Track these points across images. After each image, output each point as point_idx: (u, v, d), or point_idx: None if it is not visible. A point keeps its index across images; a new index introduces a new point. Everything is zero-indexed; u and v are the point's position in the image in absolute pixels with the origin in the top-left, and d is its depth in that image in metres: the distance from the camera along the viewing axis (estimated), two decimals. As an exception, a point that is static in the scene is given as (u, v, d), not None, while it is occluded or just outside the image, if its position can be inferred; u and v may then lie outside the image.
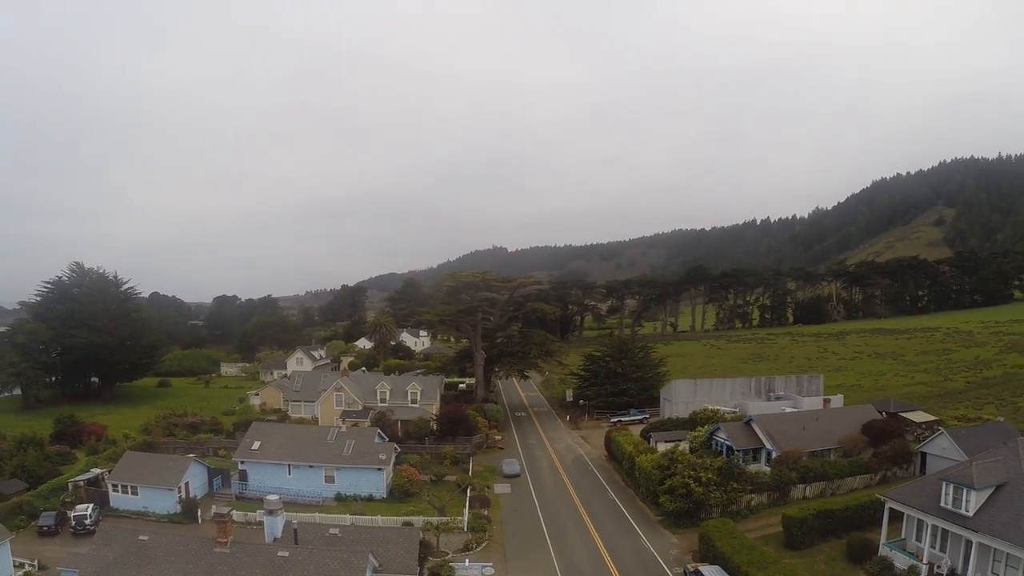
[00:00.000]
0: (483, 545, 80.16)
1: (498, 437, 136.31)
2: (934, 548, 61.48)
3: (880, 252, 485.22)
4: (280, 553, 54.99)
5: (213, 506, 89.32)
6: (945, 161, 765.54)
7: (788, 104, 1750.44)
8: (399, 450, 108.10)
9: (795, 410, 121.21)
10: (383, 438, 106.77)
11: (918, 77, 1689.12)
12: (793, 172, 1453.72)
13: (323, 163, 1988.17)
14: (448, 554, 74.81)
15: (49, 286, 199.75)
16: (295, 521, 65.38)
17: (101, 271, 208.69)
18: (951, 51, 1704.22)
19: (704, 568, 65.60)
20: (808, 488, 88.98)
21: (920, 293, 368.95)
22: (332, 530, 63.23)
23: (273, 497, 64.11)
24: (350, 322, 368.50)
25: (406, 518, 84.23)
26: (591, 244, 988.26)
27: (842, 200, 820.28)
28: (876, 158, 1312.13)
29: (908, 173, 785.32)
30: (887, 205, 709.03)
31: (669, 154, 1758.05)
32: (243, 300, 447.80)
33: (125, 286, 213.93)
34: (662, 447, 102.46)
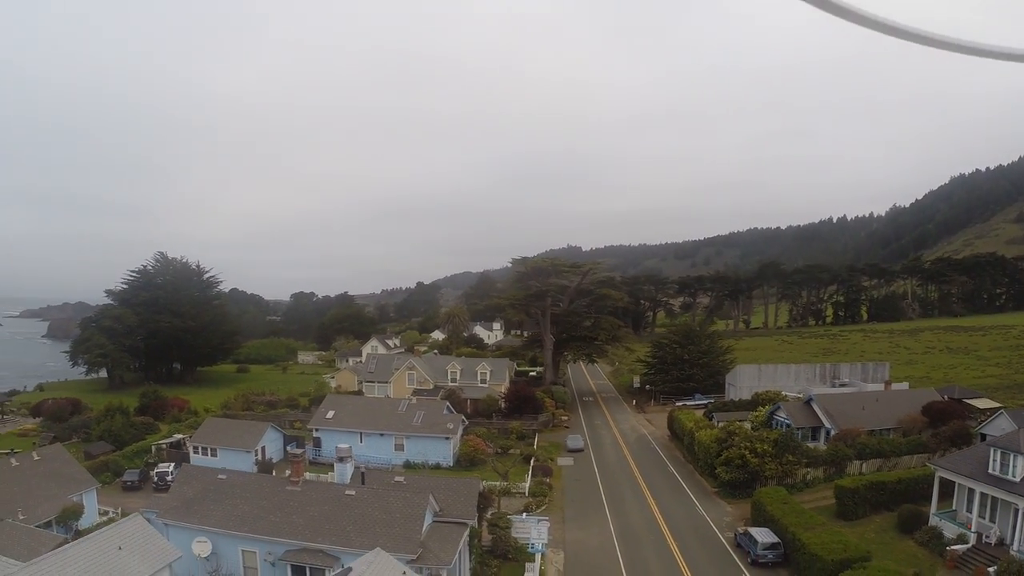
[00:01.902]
0: (543, 508, 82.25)
1: (564, 417, 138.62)
2: (983, 518, 61.39)
3: (959, 250, 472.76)
4: (347, 492, 58.43)
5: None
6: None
7: (863, 97, 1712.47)
8: (466, 422, 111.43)
9: (853, 388, 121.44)
10: (451, 411, 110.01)
11: (995, 70, 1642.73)
12: (870, 168, 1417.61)
13: (398, 165, 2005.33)
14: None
15: (135, 275, 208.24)
16: (363, 467, 68.84)
17: (184, 260, 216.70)
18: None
19: (754, 530, 67.03)
20: (864, 464, 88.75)
21: (998, 291, 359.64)
22: (397, 478, 66.56)
23: (344, 445, 67.69)
24: (424, 317, 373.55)
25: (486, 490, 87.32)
26: (665, 243, 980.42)
27: (920, 197, 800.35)
28: (955, 155, 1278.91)
29: (987, 168, 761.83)
30: (965, 201, 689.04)
31: (743, 151, 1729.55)
32: (320, 297, 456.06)
33: (207, 275, 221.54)
34: (722, 424, 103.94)
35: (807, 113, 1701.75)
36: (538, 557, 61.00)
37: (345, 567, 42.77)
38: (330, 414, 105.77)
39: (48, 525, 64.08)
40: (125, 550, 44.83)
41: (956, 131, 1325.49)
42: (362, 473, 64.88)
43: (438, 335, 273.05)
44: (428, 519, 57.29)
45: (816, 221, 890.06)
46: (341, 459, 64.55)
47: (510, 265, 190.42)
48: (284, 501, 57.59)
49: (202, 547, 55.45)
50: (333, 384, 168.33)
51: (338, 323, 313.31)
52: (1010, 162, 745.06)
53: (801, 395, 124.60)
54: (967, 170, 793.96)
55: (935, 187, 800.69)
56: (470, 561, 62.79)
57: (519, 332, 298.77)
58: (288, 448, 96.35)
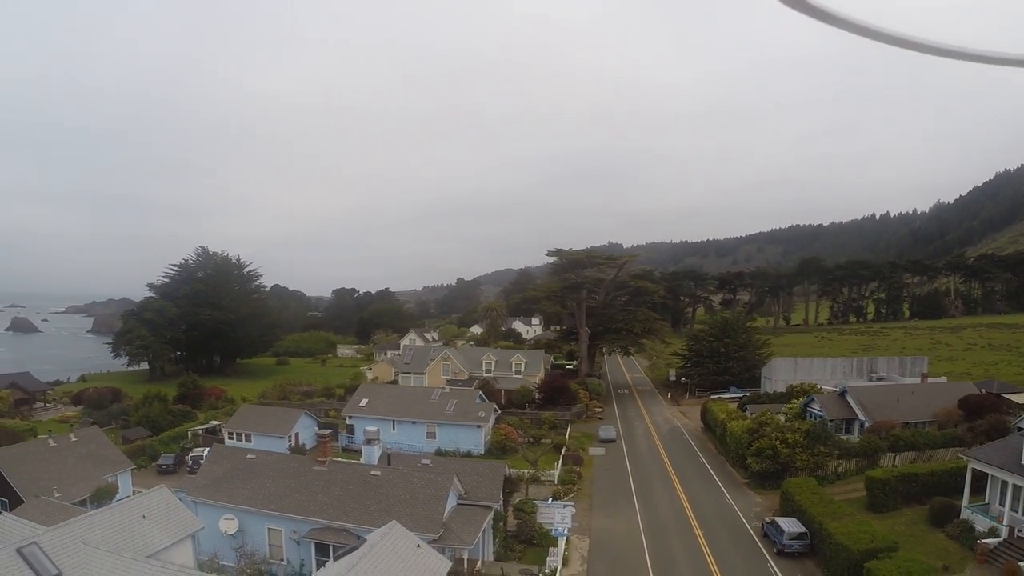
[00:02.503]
0: (571, 495, 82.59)
1: (598, 408, 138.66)
2: (1016, 512, 60.05)
3: (1003, 247, 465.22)
4: (373, 472, 59.22)
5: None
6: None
7: (908, 95, 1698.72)
8: (499, 411, 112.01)
9: (890, 382, 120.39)
10: (484, 399, 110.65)
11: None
12: (914, 166, 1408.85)
13: (442, 164, 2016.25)
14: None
15: (176, 268, 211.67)
16: (390, 449, 69.63)
17: (225, 254, 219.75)
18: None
19: (781, 520, 66.57)
20: (897, 457, 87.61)
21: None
22: (424, 461, 67.28)
23: (372, 427, 68.49)
24: (464, 312, 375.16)
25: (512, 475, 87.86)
26: (706, 240, 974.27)
27: (964, 193, 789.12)
28: (1000, 150, 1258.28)
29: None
30: (1011, 197, 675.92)
31: (785, 148, 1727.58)
32: (361, 293, 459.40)
33: (247, 269, 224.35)
34: (754, 415, 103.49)
35: (850, 110, 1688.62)
36: (561, 542, 60.99)
37: (360, 539, 43.44)
38: (364, 402, 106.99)
39: (83, 503, 65.30)
40: (149, 519, 45.96)
41: (999, 125, 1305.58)
42: (388, 455, 65.63)
43: (476, 329, 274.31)
44: (452, 501, 57.85)
45: (859, 218, 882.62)
46: (369, 441, 65.41)
47: (552, 263, 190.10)
48: (310, 480, 58.44)
49: (229, 524, 56.44)
50: (370, 376, 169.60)
51: (377, 318, 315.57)
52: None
53: (836, 388, 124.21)
54: (1012, 165, 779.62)
55: (980, 183, 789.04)
56: (494, 544, 63.28)
57: (558, 327, 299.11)
58: (317, 431, 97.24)
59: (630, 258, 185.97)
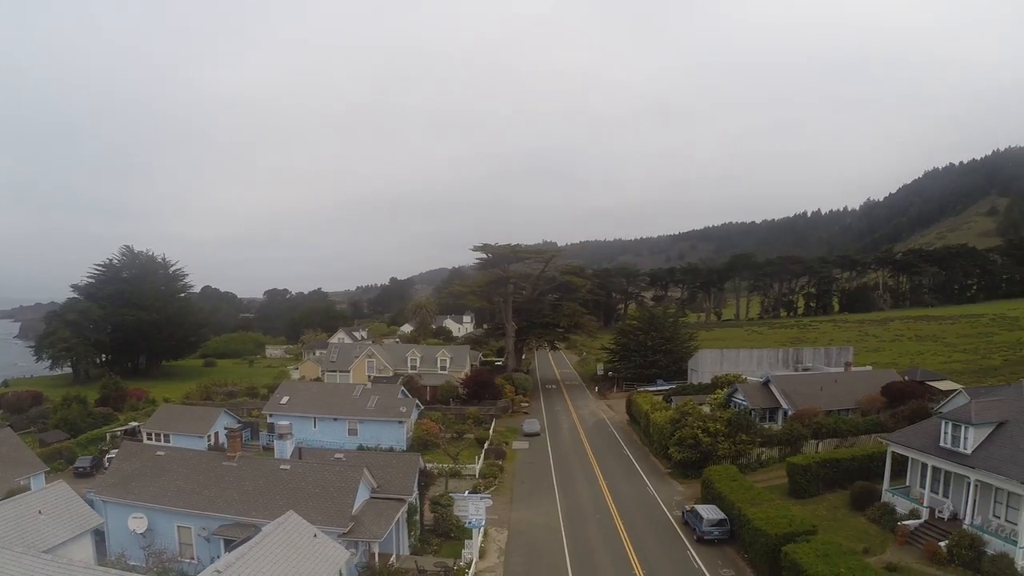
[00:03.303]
0: (491, 489, 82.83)
1: (524, 403, 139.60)
2: (936, 493, 61.07)
3: (931, 243, 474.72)
4: (282, 466, 58.78)
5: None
6: (999, 150, 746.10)
7: (838, 96, 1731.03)
8: (422, 407, 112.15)
9: (815, 372, 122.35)
10: (406, 395, 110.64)
11: (968, 66, 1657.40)
12: (844, 164, 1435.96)
13: (376, 161, 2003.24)
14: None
15: (101, 268, 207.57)
16: (302, 444, 69.40)
17: (150, 253, 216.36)
18: (1001, 37, 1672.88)
19: (700, 507, 67.23)
20: (820, 444, 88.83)
21: (969, 282, 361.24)
22: (337, 455, 67.01)
23: (284, 422, 68.04)
24: (396, 312, 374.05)
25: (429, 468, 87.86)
26: (641, 238, 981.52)
27: (893, 191, 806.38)
28: (929, 149, 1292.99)
29: (960, 163, 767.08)
30: (939, 195, 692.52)
31: (720, 148, 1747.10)
32: (294, 293, 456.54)
33: (172, 268, 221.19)
34: (677, 405, 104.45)
35: (786, 110, 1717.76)
36: (476, 533, 61.16)
37: (256, 528, 43.33)
38: (284, 399, 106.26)
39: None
40: (45, 514, 45.31)
41: (929, 127, 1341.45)
42: (299, 449, 65.41)
43: (407, 328, 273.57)
44: (364, 494, 57.68)
45: (791, 215, 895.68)
46: (280, 436, 64.79)
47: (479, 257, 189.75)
48: (220, 476, 57.90)
49: (138, 523, 55.67)
50: (297, 375, 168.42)
51: (308, 318, 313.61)
52: (983, 156, 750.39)
53: (761, 378, 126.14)
54: (941, 164, 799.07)
55: (909, 181, 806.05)
56: (409, 538, 63.25)
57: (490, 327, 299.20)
58: (226, 426, 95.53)
59: (556, 252, 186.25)
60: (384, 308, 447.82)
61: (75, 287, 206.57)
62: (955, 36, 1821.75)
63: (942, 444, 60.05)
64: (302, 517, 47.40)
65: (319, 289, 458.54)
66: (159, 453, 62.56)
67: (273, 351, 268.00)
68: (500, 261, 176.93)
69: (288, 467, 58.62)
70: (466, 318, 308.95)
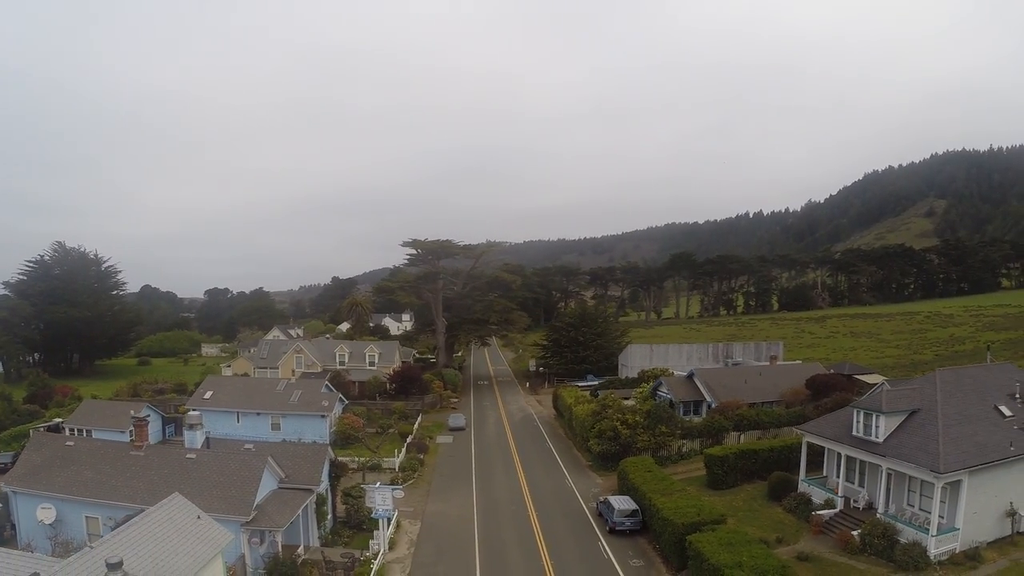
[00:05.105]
0: (410, 482, 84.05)
1: (453, 399, 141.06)
2: (851, 483, 62.30)
3: (871, 243, 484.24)
4: (188, 456, 59.71)
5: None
6: (937, 154, 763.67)
7: (781, 99, 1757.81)
8: (346, 402, 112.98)
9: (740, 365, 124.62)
10: (331, 389, 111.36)
11: (908, 72, 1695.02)
12: (787, 166, 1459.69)
13: (319, 159, 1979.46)
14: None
15: (32, 264, 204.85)
16: (210, 433, 70.28)
17: (82, 249, 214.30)
18: (940, 46, 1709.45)
19: (613, 498, 68.51)
20: (742, 436, 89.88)
21: (906, 281, 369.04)
22: (247, 446, 67.83)
23: (195, 412, 68.96)
24: (335, 311, 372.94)
25: (340, 459, 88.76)
26: (584, 238, 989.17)
27: (834, 193, 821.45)
28: (869, 152, 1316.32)
29: (900, 166, 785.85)
30: (878, 197, 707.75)
31: (664, 149, 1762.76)
32: (235, 293, 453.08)
33: (105, 265, 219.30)
34: (599, 397, 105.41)
35: (728, 114, 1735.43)
36: (383, 524, 61.64)
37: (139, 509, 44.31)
38: (208, 394, 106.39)
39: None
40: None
41: (869, 133, 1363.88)
42: (207, 438, 66.32)
43: (345, 327, 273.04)
44: (271, 484, 58.74)
45: (733, 216, 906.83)
46: (191, 427, 65.74)
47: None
48: (127, 466, 58.66)
49: (46, 514, 56.18)
50: (229, 372, 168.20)
51: (246, 316, 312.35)
52: (922, 159, 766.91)
53: (685, 372, 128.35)
54: (880, 166, 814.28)
55: (849, 183, 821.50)
56: (319, 529, 64.43)
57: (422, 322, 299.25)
58: (132, 413, 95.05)
59: (488, 248, 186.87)
60: (326, 308, 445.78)
61: (5, 284, 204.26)
62: (895, 45, 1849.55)
63: (854, 433, 61.16)
64: (206, 505, 48.48)
65: (260, 288, 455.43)
66: (68, 444, 63.29)
67: (209, 349, 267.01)
68: (429, 256, 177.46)
69: (194, 456, 59.54)
70: (405, 317, 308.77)
